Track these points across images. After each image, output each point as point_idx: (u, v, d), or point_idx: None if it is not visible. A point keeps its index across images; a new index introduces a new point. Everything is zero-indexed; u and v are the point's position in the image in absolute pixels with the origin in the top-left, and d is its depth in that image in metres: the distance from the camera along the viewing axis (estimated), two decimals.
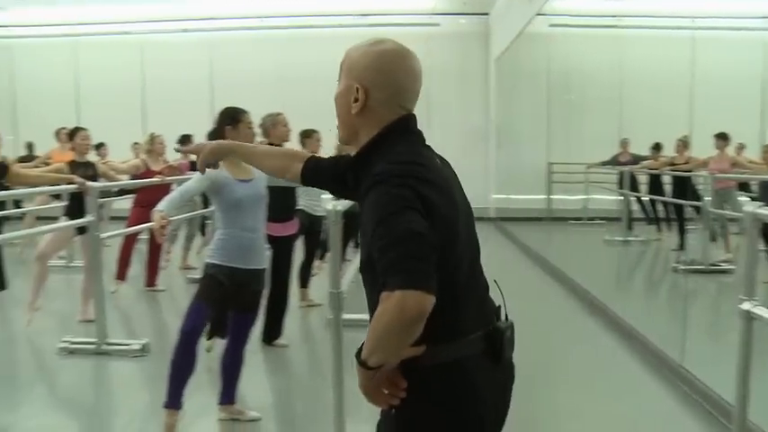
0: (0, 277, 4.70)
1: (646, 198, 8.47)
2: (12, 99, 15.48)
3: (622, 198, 8.37)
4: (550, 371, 4.98)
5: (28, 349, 5.63)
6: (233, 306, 3.77)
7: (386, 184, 1.51)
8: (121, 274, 7.34)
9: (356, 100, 1.67)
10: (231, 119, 3.74)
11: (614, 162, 8.42)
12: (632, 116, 7.97)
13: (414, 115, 1.73)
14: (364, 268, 1.62)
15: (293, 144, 5.17)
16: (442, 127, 14.31)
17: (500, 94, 13.61)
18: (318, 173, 1.91)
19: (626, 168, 8.20)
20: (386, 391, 1.60)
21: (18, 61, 15.62)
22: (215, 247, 3.67)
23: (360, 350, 1.54)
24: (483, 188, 14.25)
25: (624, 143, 8.32)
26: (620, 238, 8.42)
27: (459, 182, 1.75)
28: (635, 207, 8.59)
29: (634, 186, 8.35)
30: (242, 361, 3.92)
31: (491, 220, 13.98)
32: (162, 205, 3.53)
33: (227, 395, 3.92)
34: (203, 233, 9.12)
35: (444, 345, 1.57)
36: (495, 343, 1.64)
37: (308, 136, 6.53)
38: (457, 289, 1.59)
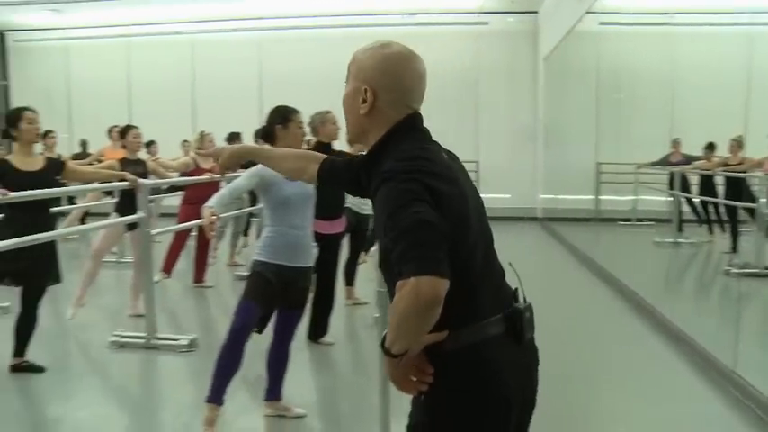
0: (55, 271, 4.81)
1: (697, 199, 8.29)
2: (67, 99, 15.87)
3: (673, 199, 8.21)
4: (596, 371, 4.92)
5: (80, 342, 5.76)
6: (279, 303, 3.80)
7: (394, 180, 1.58)
8: (167, 267, 7.43)
9: (364, 101, 1.75)
10: (282, 118, 3.76)
11: (665, 162, 8.26)
12: (684, 115, 7.81)
13: (419, 114, 1.81)
14: (382, 264, 1.70)
15: (341, 143, 5.17)
16: (490, 126, 14.29)
17: (548, 93, 13.46)
18: (333, 174, 1.99)
19: (677, 169, 8.04)
20: (413, 378, 1.65)
21: (73, 62, 16.01)
22: (263, 244, 3.70)
23: (384, 339, 1.59)
24: (531, 188, 14.14)
25: (676, 143, 8.15)
26: (670, 240, 8.25)
27: (467, 174, 1.81)
28: (686, 208, 8.42)
29: (685, 187, 8.18)
30: (288, 357, 3.94)
31: (538, 221, 13.86)
32: (212, 202, 3.59)
33: (273, 391, 3.96)
34: (246, 233, 9.22)
35: (465, 328, 1.62)
36: (515, 324, 1.68)
37: None
38: (473, 276, 1.64)
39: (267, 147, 2.85)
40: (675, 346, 5.35)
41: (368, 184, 1.74)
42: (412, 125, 1.77)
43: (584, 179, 10.22)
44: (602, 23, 9.37)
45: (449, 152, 1.82)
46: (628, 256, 8.59)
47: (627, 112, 8.88)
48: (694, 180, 8.12)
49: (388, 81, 1.74)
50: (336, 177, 2.00)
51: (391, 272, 1.57)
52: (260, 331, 3.71)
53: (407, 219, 1.50)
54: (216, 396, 3.62)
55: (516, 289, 1.77)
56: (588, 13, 9.54)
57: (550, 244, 11.49)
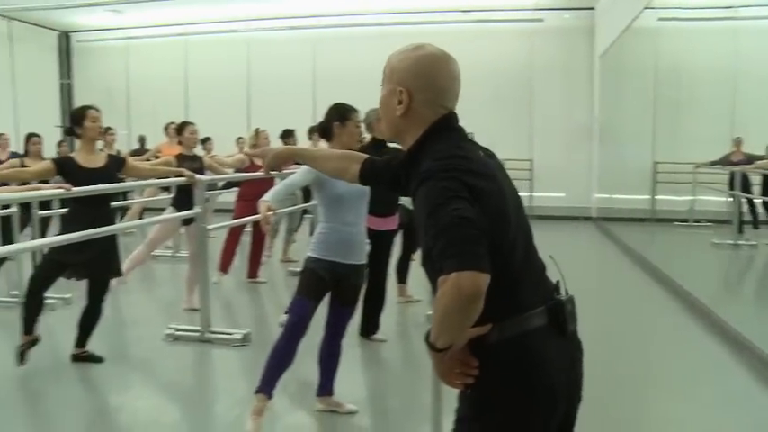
0: (116, 264, 4.94)
1: (759, 200, 8.07)
2: (126, 96, 16.24)
3: (733, 200, 8.01)
4: (650, 373, 4.84)
5: (137, 334, 5.90)
6: (333, 300, 3.83)
7: (432, 179, 1.61)
8: (224, 266, 7.54)
9: (400, 102, 1.79)
10: (341, 115, 3.78)
11: (725, 162, 8.06)
12: (746, 114, 7.60)
13: (454, 113, 1.83)
14: (424, 262, 1.71)
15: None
16: (544, 125, 14.13)
17: (604, 90, 13.24)
18: (374, 173, 2.07)
19: (738, 168, 7.84)
20: (459, 372, 1.68)
21: (132, 61, 16.38)
22: (316, 241, 3.73)
23: (428, 334, 1.62)
24: (585, 187, 13.94)
25: (737, 142, 7.95)
26: (730, 242, 8.05)
27: (505, 172, 1.82)
28: (746, 209, 8.20)
29: (746, 188, 7.97)
30: (339, 353, 3.97)
31: (593, 220, 13.66)
32: (268, 196, 3.65)
33: (325, 387, 3.99)
34: (297, 229, 9.28)
35: (508, 321, 1.65)
36: (558, 316, 1.69)
37: None
38: (515, 270, 1.67)
39: (310, 148, 2.90)
40: (733, 350, 5.22)
41: (407, 183, 1.78)
42: (447, 125, 1.79)
43: (641, 178, 10.05)
44: (660, 19, 9.18)
45: (485, 149, 1.84)
46: (684, 258, 8.42)
47: (686, 110, 8.69)
48: (756, 180, 7.91)
49: (423, 82, 1.78)
50: (377, 177, 2.07)
51: (434, 269, 1.59)
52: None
53: (447, 216, 1.53)
54: (266, 388, 3.66)
55: (558, 282, 1.79)
56: (647, 8, 9.36)
57: (604, 244, 11.32)
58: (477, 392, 1.70)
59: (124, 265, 6.08)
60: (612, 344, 5.34)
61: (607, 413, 3.86)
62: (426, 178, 1.63)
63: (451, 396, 1.85)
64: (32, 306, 4.69)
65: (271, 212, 3.55)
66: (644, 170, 9.86)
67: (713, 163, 8.21)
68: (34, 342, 4.71)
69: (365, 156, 2.13)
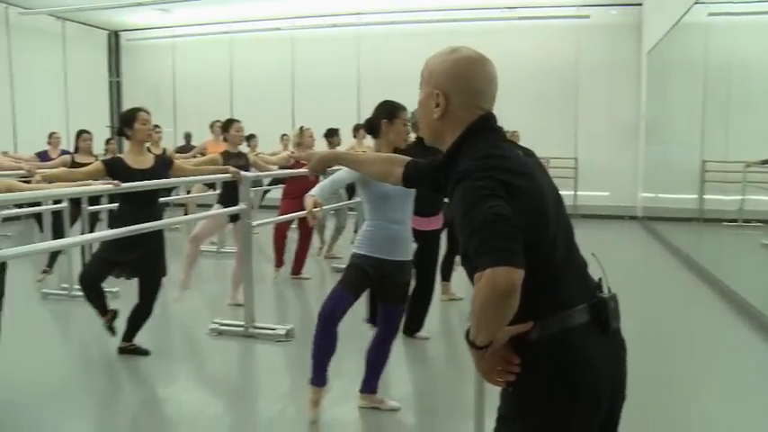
0: (162, 264, 5.04)
1: None
2: (172, 93, 16.50)
3: None
4: (698, 376, 4.74)
5: (181, 328, 6.00)
6: (380, 298, 3.84)
7: (468, 178, 1.63)
8: (277, 263, 7.68)
9: (437, 105, 1.82)
10: (389, 113, 3.79)
11: None
12: None
13: (492, 114, 1.85)
14: (463, 261, 1.72)
15: None
16: (589, 123, 13.96)
17: (652, 88, 13.01)
18: (417, 176, 2.11)
19: None
20: (500, 369, 1.68)
21: (178, 58, 16.63)
22: (362, 238, 3.75)
23: (468, 332, 1.63)
24: (631, 186, 13.73)
25: None
26: None
27: (545, 170, 1.83)
28: None
29: None
30: (388, 353, 3.97)
31: (638, 219, 13.45)
32: (314, 191, 3.69)
33: (370, 384, 4.00)
34: (344, 227, 9.33)
35: (550, 318, 1.65)
36: (600, 313, 1.68)
37: None
38: (555, 267, 1.68)
39: (353, 151, 2.93)
40: None
41: (446, 184, 1.81)
42: (485, 125, 1.82)
43: (688, 177, 9.85)
44: (711, 14, 8.98)
45: (524, 149, 1.85)
46: (733, 258, 8.24)
47: (736, 108, 8.49)
48: None
49: (459, 84, 1.80)
50: (420, 179, 2.11)
51: (471, 267, 1.59)
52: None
53: (481, 214, 1.54)
54: (316, 378, 3.73)
55: (600, 279, 1.78)
56: (697, 3, 9.17)
57: (650, 243, 11.15)
58: (518, 390, 1.70)
59: (180, 273, 6.21)
60: (657, 344, 5.25)
61: (651, 414, 3.81)
62: (462, 178, 1.65)
63: (495, 394, 1.84)
64: (93, 295, 4.87)
65: (317, 207, 3.59)
66: (692, 169, 9.67)
67: (765, 162, 8.01)
68: (113, 317, 4.95)
69: (408, 158, 2.17)
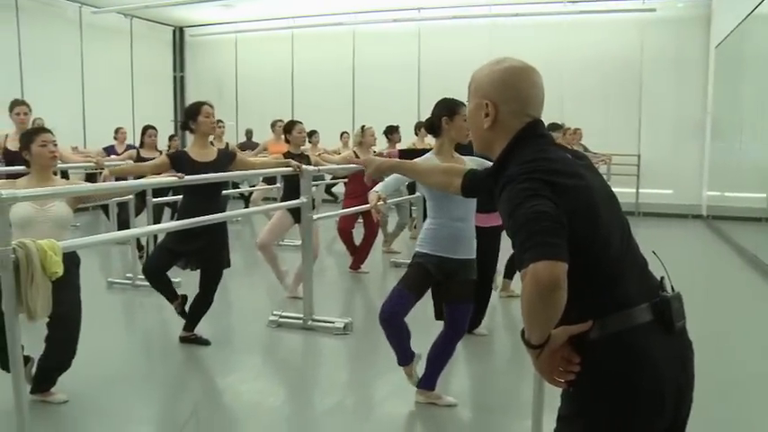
0: (225, 255, 5.13)
1: None
2: (234, 88, 16.76)
3: None
4: (765, 380, 4.60)
5: (242, 319, 6.10)
6: (445, 297, 3.83)
7: (514, 182, 1.67)
8: (355, 263, 7.82)
9: (486, 115, 1.86)
10: (449, 110, 3.76)
11: None
12: None
13: (540, 121, 1.88)
14: (516, 262, 1.72)
15: None
16: (653, 118, 13.64)
17: (719, 83, 12.64)
18: (474, 185, 2.18)
19: None
20: (561, 369, 1.68)
21: (241, 53, 16.87)
22: (424, 236, 3.75)
23: (523, 331, 1.65)
24: (695, 184, 13.37)
25: None
26: None
27: (596, 171, 1.86)
28: None
29: None
30: (452, 353, 3.95)
31: (702, 218, 13.10)
32: (378, 187, 3.73)
33: (429, 381, 3.98)
34: (406, 224, 9.34)
35: (610, 317, 1.64)
36: (664, 313, 1.66)
37: None
38: (612, 265, 1.67)
39: (411, 161, 2.96)
40: None
41: (495, 190, 1.83)
42: (534, 132, 1.84)
43: (758, 176, 9.55)
44: None
45: (574, 152, 1.88)
46: None
47: None
48: None
49: (507, 93, 1.84)
50: (477, 189, 2.18)
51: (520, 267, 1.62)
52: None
53: (524, 213, 1.57)
54: (402, 359, 3.84)
55: (662, 278, 1.75)
56: None
57: (715, 243, 10.84)
58: (579, 391, 1.69)
59: (280, 283, 6.30)
60: (722, 345, 5.11)
61: (715, 418, 3.71)
62: (508, 182, 1.69)
63: (554, 394, 1.83)
64: (160, 285, 5.03)
65: (381, 204, 3.63)
66: (761, 167, 9.37)
67: None
68: (183, 302, 5.12)
69: (466, 169, 2.24)
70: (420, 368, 3.93)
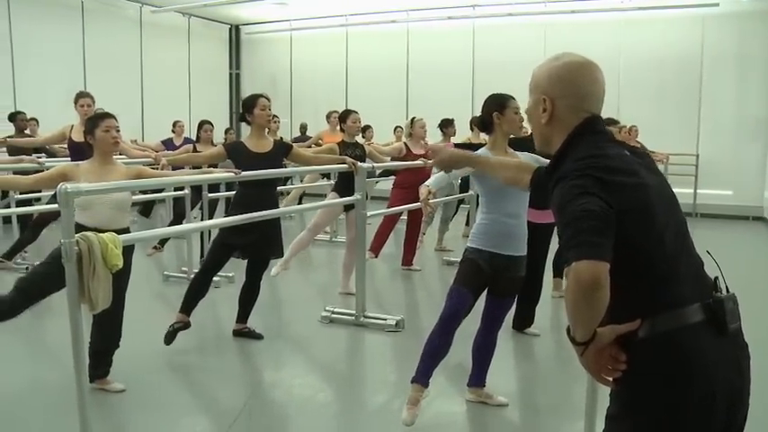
0: (279, 245, 5.20)
1: None
2: (289, 85, 16.92)
3: None
4: None
5: (294, 314, 6.16)
6: (491, 291, 3.81)
7: (566, 179, 1.67)
8: (376, 249, 7.57)
9: (544, 110, 1.87)
10: (499, 105, 3.74)
11: None
12: None
13: (599, 116, 1.87)
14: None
15: None
16: (713, 117, 13.27)
17: None
18: (542, 182, 2.10)
19: None
20: (609, 367, 1.67)
21: (295, 51, 17.02)
22: (476, 231, 3.73)
23: (569, 328, 1.65)
24: (757, 185, 12.96)
25: None
26: None
27: (656, 169, 1.83)
28: None
29: None
30: (494, 345, 3.95)
31: (764, 220, 12.71)
32: (429, 182, 3.74)
33: (477, 378, 3.98)
34: (450, 219, 9.29)
35: (660, 316, 1.62)
36: (717, 313, 1.63)
37: None
38: (664, 263, 1.65)
39: (483, 154, 2.95)
40: None
41: (550, 186, 1.84)
42: (592, 128, 1.82)
43: None
44: None
45: (634, 150, 1.84)
46: None
47: None
48: None
49: (564, 88, 1.84)
50: (544, 185, 2.14)
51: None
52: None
53: (572, 212, 1.58)
54: (421, 377, 3.66)
55: (716, 279, 1.72)
56: None
57: None
58: (627, 390, 1.68)
59: (287, 252, 6.37)
60: None
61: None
62: (561, 178, 1.70)
63: (606, 395, 1.80)
64: (199, 287, 4.98)
65: (431, 195, 3.63)
66: None
67: None
68: (186, 325, 4.91)
69: (536, 165, 2.26)
70: (426, 401, 3.73)
